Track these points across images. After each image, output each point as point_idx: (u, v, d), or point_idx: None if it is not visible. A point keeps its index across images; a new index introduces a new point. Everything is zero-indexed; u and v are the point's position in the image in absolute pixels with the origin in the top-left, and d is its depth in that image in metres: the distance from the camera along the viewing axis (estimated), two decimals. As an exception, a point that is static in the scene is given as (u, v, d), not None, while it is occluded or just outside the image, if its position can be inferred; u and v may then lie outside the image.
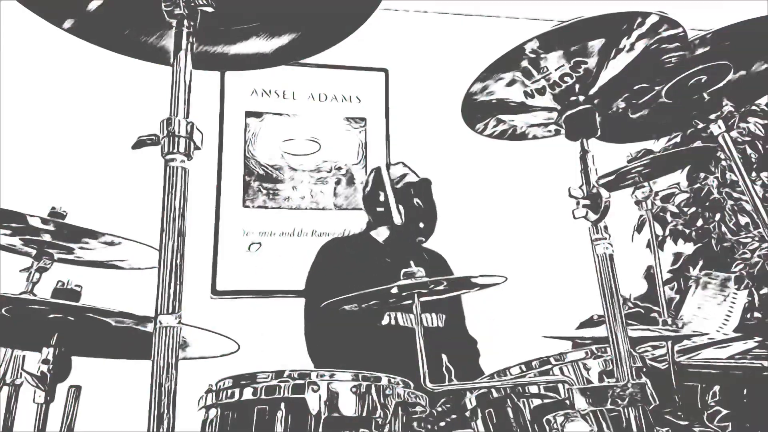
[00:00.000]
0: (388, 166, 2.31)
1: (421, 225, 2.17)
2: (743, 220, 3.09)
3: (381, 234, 2.22)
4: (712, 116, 1.42)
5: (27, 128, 2.87)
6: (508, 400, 1.25)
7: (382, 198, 2.18)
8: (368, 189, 2.25)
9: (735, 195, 3.09)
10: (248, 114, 3.27)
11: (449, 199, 2.59)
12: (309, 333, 2.07)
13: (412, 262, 1.41)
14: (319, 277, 2.15)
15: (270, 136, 3.27)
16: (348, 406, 1.19)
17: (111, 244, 1.57)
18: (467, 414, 1.31)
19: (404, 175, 2.22)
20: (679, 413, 1.71)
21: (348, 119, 3.39)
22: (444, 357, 2.06)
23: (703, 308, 2.34)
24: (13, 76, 2.87)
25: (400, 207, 2.16)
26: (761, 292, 2.70)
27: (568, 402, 1.13)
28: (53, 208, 1.51)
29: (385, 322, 2.03)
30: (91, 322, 1.29)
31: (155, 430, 0.80)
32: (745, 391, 1.95)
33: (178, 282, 0.86)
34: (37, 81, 2.93)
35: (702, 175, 3.17)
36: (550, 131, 1.33)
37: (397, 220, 2.13)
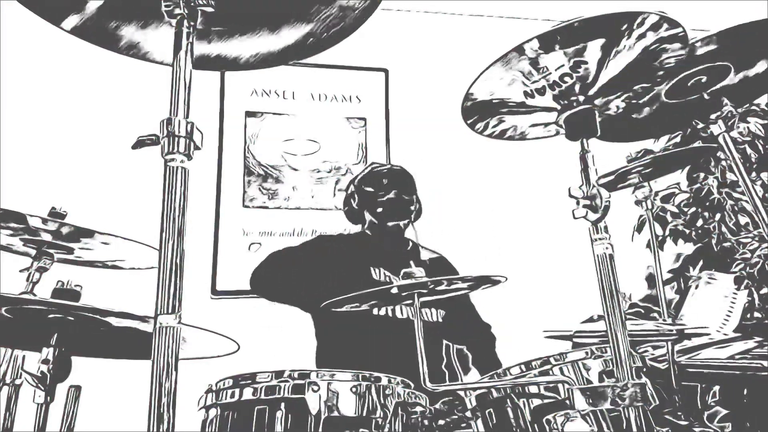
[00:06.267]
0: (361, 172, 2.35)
1: (379, 210, 2.19)
2: (743, 220, 3.09)
3: (372, 228, 2.24)
4: (713, 116, 1.42)
5: (27, 128, 2.87)
6: (508, 400, 1.25)
7: (354, 201, 2.26)
8: (345, 201, 2.33)
9: (735, 195, 3.09)
10: (248, 114, 3.27)
11: (449, 199, 2.60)
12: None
13: (412, 263, 1.41)
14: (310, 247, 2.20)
15: (270, 136, 3.27)
16: (348, 406, 1.19)
17: (111, 243, 1.57)
18: (467, 414, 1.31)
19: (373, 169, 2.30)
20: (679, 413, 1.71)
21: (348, 119, 3.40)
22: (446, 344, 2.09)
23: (702, 308, 2.34)
24: (13, 76, 2.87)
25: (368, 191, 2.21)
26: (761, 292, 2.70)
27: (568, 402, 1.12)
28: (53, 208, 1.52)
29: (382, 312, 2.03)
30: (91, 322, 1.29)
31: (155, 430, 0.80)
32: (745, 391, 1.95)
33: (178, 282, 0.86)
34: (37, 81, 2.93)
35: (702, 175, 3.17)
36: (550, 131, 1.33)
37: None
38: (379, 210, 2.18)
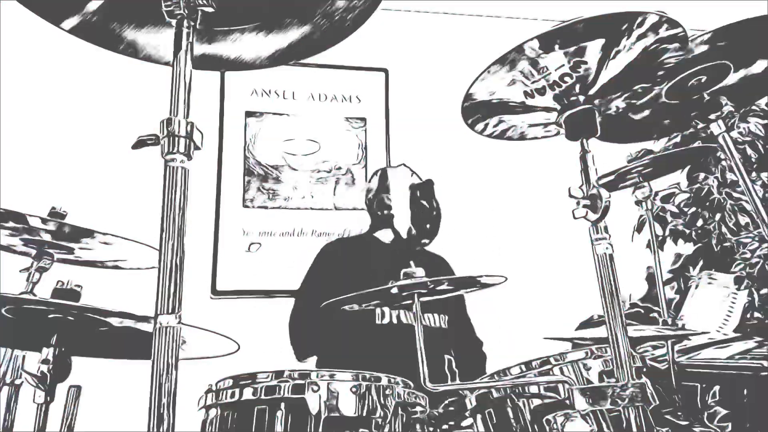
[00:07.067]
0: (388, 167, 2.31)
1: (428, 226, 2.16)
2: (743, 220, 3.08)
3: (385, 235, 2.22)
4: (712, 116, 1.42)
5: (27, 128, 2.87)
6: (508, 400, 1.25)
7: (388, 201, 2.18)
8: (373, 191, 2.26)
9: (735, 195, 3.09)
10: (248, 114, 3.27)
11: (449, 199, 2.58)
12: (293, 325, 2.13)
13: (412, 263, 1.41)
14: (315, 276, 2.15)
15: (270, 136, 3.27)
16: (348, 406, 1.19)
17: (111, 243, 1.57)
18: (467, 414, 1.31)
19: (408, 178, 2.23)
20: (679, 413, 1.71)
21: (348, 119, 3.39)
22: (447, 358, 2.07)
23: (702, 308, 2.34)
24: (13, 76, 2.87)
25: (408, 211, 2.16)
26: (761, 292, 2.70)
27: (568, 402, 1.12)
28: (53, 208, 1.51)
29: (386, 320, 2.02)
30: (91, 322, 1.29)
31: (155, 430, 0.80)
32: (745, 391, 1.94)
33: (178, 282, 0.86)
34: (37, 81, 2.93)
35: (702, 175, 3.17)
36: (550, 131, 1.33)
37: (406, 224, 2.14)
38: (428, 226, 2.16)
